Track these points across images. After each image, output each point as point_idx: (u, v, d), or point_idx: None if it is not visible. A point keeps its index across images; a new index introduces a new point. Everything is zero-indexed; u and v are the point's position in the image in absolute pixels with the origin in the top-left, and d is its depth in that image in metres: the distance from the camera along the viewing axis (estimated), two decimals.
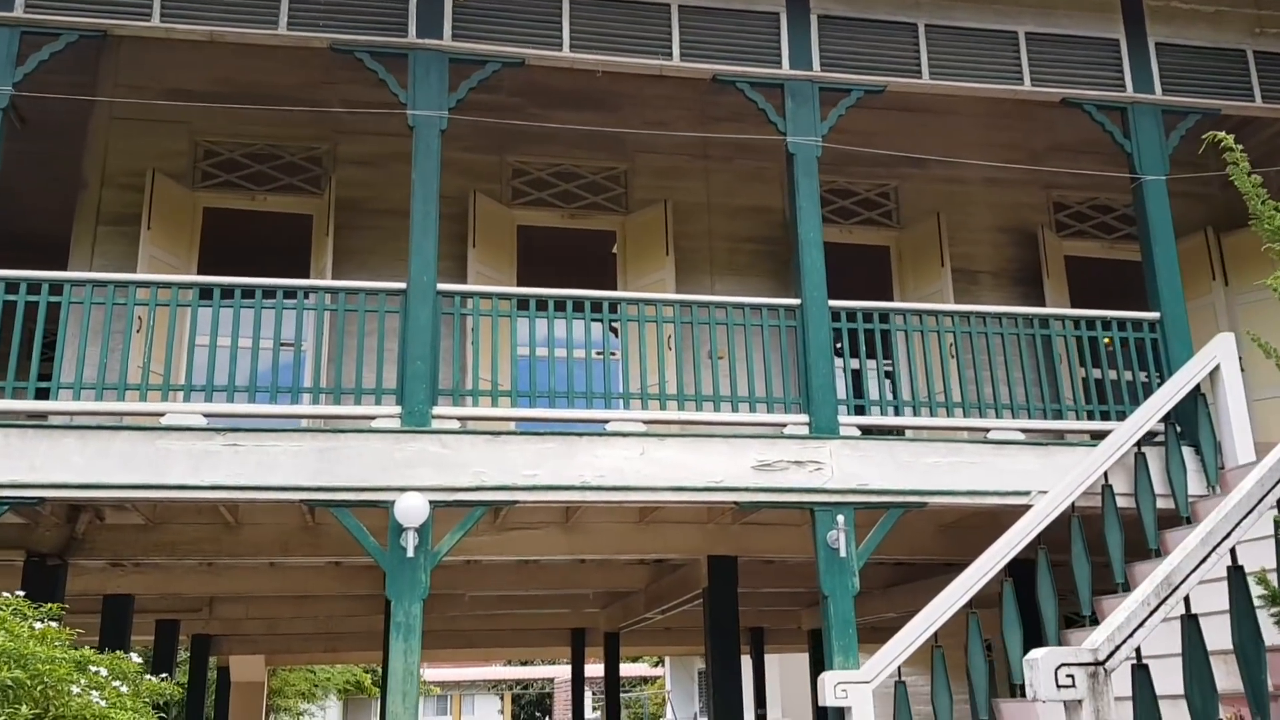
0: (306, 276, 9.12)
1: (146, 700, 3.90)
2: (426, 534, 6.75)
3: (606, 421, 7.39)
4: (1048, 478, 7.45)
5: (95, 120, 9.39)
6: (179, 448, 6.72)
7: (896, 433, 8.33)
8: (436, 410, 7.15)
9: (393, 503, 6.70)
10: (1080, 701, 4.31)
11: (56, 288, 7.17)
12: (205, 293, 7.36)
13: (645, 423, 7.44)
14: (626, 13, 8.06)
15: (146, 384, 7.11)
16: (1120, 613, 4.49)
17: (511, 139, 9.94)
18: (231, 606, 13.45)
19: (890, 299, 10.27)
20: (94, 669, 3.62)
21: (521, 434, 7.23)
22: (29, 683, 3.36)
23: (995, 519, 8.26)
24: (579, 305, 7.63)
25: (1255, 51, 8.92)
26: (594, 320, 7.74)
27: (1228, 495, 4.92)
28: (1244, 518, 4.69)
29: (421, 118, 7.54)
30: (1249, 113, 9.00)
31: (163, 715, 3.97)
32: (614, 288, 9.78)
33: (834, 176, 10.11)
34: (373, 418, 7.12)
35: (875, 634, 8.28)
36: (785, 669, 23.61)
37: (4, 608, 4.03)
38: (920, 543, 9.27)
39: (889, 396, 9.17)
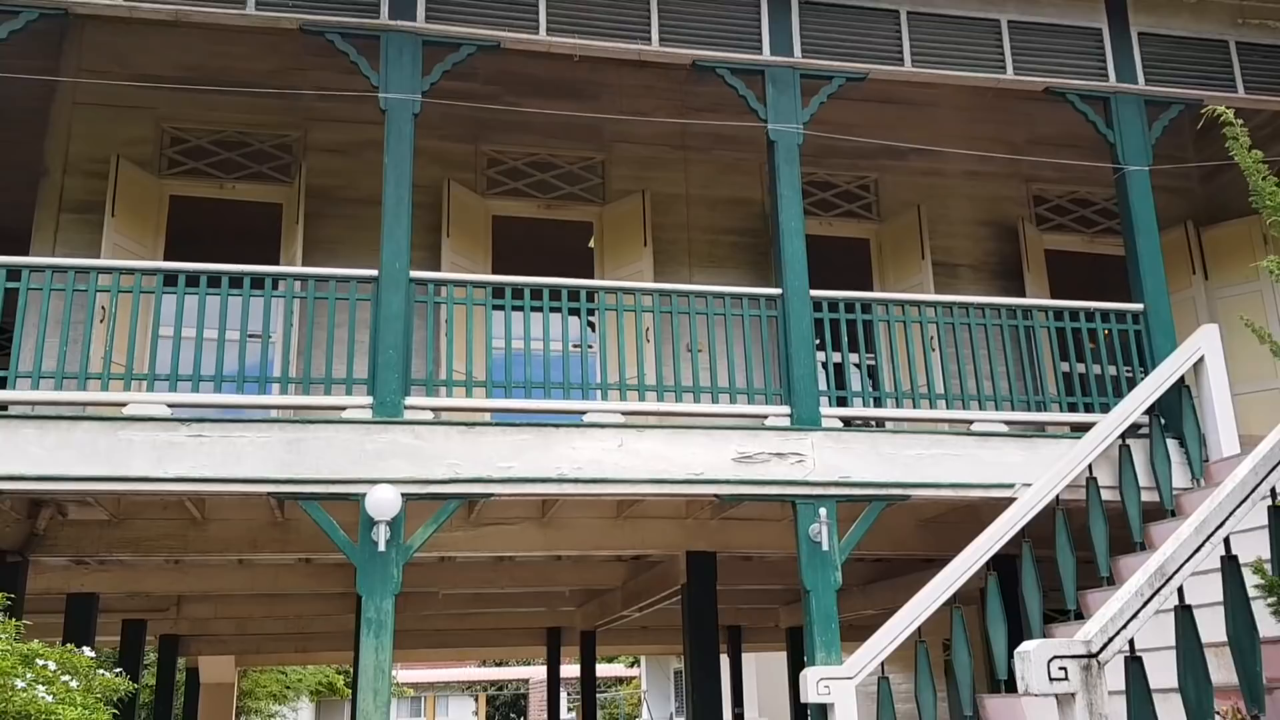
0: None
1: (99, 696, 3.70)
2: (398, 528, 6.57)
3: (584, 413, 7.23)
4: (1031, 470, 7.35)
5: (58, 105, 9.15)
6: (141, 438, 6.50)
7: (878, 425, 8.21)
8: (409, 401, 6.97)
9: (363, 495, 6.52)
10: (1073, 695, 4.18)
11: (14, 273, 6.93)
12: (170, 279, 7.14)
13: (624, 414, 7.28)
14: None
15: (108, 373, 6.88)
16: (1113, 604, 4.37)
17: (486, 128, 9.77)
18: (200, 606, 13.18)
19: (870, 292, 10.15)
20: (41, 663, 3.42)
21: (497, 425, 7.06)
22: None
23: (975, 513, 8.17)
24: (556, 294, 7.46)
25: (1238, 42, 8.87)
26: (571, 310, 7.55)
27: (1220, 484, 4.81)
28: (1238, 506, 4.57)
29: (394, 101, 7.35)
30: (1231, 104, 8.91)
31: (116, 713, 3.75)
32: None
33: (814, 169, 9.99)
34: (343, 408, 6.93)
35: (854, 631, 8.16)
36: (762, 668, 23.52)
37: None
38: (900, 538, 9.17)
39: (870, 389, 9.05)
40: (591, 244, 10.11)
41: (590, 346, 9.12)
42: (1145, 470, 7.43)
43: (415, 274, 7.22)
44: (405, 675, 38.83)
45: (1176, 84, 8.66)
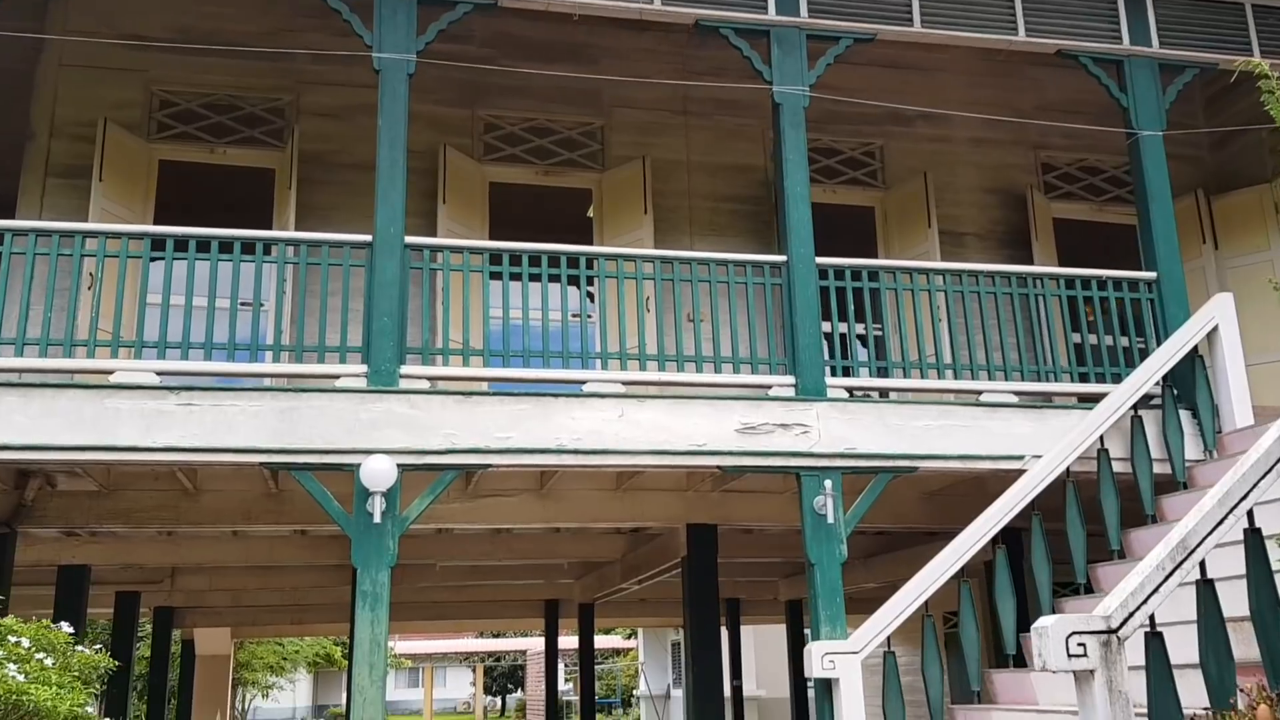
0: None
1: (77, 674, 3.53)
2: (394, 498, 6.41)
3: (584, 382, 7.06)
4: (1041, 442, 7.20)
5: (44, 68, 8.91)
6: (129, 407, 6.33)
7: (884, 395, 8.05)
8: (405, 370, 6.79)
9: (358, 466, 6.35)
10: (1093, 671, 4.05)
11: None
12: (158, 244, 6.94)
13: (624, 384, 7.11)
14: None
15: (95, 340, 6.70)
16: (1134, 577, 4.23)
17: (483, 92, 9.54)
18: (194, 578, 13.04)
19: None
20: (15, 640, 3.25)
21: (494, 395, 6.88)
22: None
23: (981, 486, 8.03)
24: (554, 260, 7.27)
25: (1254, 5, 8.64)
26: (571, 277, 7.36)
27: (1241, 456, 4.66)
28: (1262, 477, 4.43)
29: (388, 60, 7.13)
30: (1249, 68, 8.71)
31: (97, 691, 3.60)
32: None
33: (819, 135, 9.78)
34: (336, 376, 6.75)
35: (856, 604, 8.00)
36: (760, 641, 23.47)
37: None
38: (904, 511, 9.01)
39: (877, 360, 8.88)
40: (590, 212, 9.90)
41: (590, 316, 8.94)
42: (1157, 442, 7.28)
43: (411, 239, 7.02)
44: (403, 646, 38.87)
45: (1191, 47, 8.44)
